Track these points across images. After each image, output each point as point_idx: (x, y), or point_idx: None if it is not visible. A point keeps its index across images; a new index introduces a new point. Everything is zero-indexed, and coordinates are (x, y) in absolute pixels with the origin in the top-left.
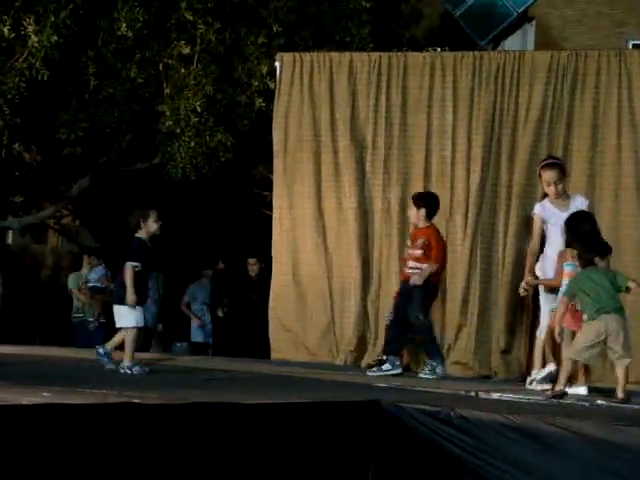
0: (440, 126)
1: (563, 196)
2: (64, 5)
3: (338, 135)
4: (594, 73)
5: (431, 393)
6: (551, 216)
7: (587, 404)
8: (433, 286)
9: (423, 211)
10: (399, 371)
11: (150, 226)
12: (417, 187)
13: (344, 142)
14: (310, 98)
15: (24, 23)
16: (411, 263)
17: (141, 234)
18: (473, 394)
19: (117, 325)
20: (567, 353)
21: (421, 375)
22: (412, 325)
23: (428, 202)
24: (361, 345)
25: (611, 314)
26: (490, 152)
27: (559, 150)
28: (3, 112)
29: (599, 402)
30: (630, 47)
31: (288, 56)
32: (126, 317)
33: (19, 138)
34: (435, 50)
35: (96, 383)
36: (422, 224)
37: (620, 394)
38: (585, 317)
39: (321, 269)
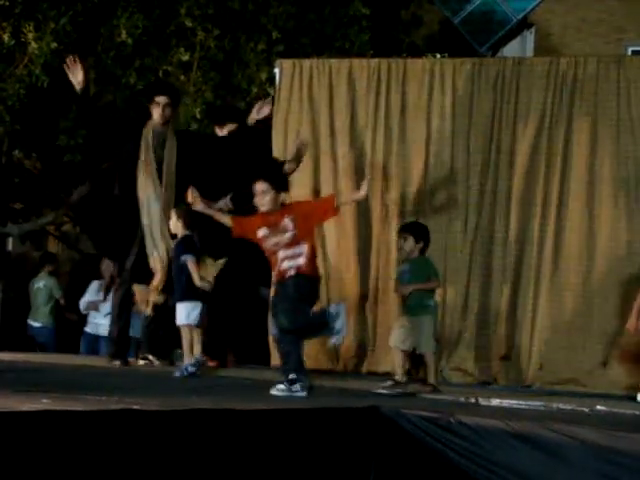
0: (439, 132)
1: None
2: (64, 12)
3: (337, 141)
4: (593, 80)
5: (431, 399)
6: None
7: (587, 410)
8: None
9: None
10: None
11: None
12: (415, 194)
13: (343, 148)
14: (309, 104)
15: (24, 30)
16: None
17: None
18: (473, 400)
19: None
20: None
21: (274, 392)
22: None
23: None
24: (361, 351)
25: None
26: (489, 158)
27: (558, 157)
28: (3, 119)
29: (599, 408)
30: (629, 54)
31: (287, 63)
32: None
33: (19, 145)
34: (434, 56)
35: (96, 390)
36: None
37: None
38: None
39: (320, 275)
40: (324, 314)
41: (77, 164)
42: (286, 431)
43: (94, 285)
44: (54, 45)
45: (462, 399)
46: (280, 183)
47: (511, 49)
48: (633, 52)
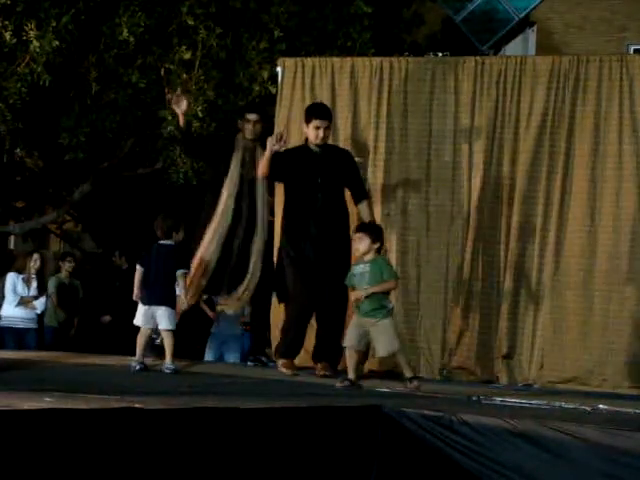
0: (441, 131)
1: None
2: (66, 10)
3: (339, 140)
4: (595, 78)
5: (433, 398)
6: None
7: (589, 408)
8: None
9: None
10: None
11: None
12: (418, 192)
13: (345, 147)
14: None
15: (26, 28)
16: None
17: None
18: (475, 399)
19: None
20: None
21: None
22: None
23: None
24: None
25: None
26: (491, 157)
27: (561, 155)
28: (5, 117)
29: (601, 406)
30: (631, 52)
31: (290, 61)
32: None
33: (21, 143)
34: (436, 55)
35: (98, 388)
36: None
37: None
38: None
39: None
40: None
41: (79, 162)
42: (288, 430)
43: (15, 279)
44: (56, 43)
45: (464, 398)
46: None
47: (513, 48)
48: (635, 50)
